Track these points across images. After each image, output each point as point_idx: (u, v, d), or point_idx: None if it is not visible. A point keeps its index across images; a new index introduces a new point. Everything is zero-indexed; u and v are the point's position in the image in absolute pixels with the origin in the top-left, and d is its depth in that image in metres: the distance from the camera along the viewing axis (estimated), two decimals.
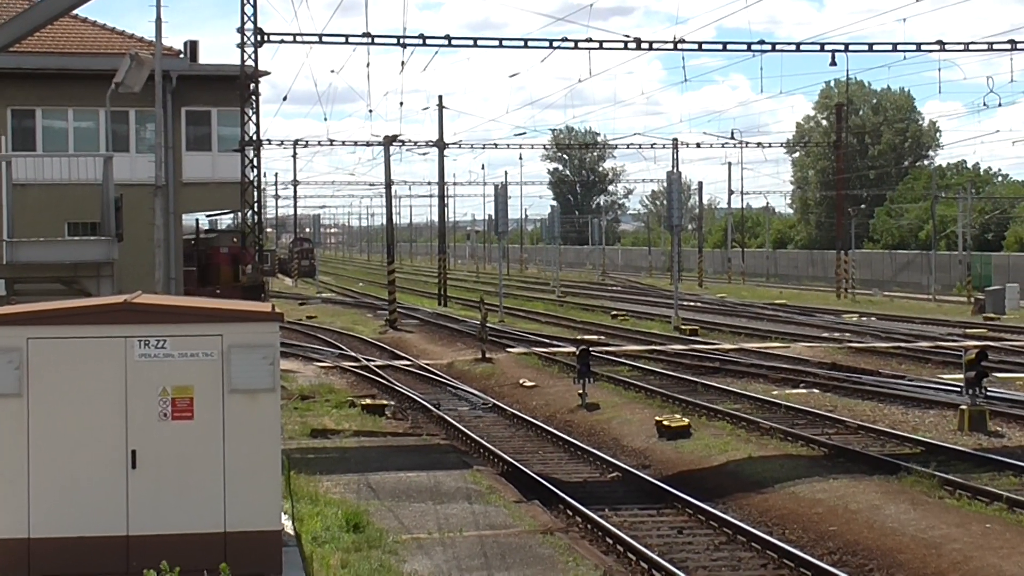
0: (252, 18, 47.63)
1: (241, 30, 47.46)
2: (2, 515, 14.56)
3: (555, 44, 48.35)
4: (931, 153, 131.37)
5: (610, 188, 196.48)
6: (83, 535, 14.55)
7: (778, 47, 49.95)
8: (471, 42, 49.53)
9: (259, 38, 47.53)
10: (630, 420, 31.84)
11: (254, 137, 47.03)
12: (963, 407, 29.16)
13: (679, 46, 48.81)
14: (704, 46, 50.06)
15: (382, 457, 26.64)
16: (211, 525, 14.70)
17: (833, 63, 49.93)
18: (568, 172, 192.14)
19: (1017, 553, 18.22)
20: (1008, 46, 49.43)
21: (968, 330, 53.37)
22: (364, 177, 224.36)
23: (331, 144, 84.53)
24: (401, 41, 47.99)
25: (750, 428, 29.61)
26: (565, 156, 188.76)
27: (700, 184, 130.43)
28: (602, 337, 51.60)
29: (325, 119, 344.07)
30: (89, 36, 45.09)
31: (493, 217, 78.66)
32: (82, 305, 15.99)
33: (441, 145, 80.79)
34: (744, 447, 27.30)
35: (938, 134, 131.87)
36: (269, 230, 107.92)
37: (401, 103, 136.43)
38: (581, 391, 34.69)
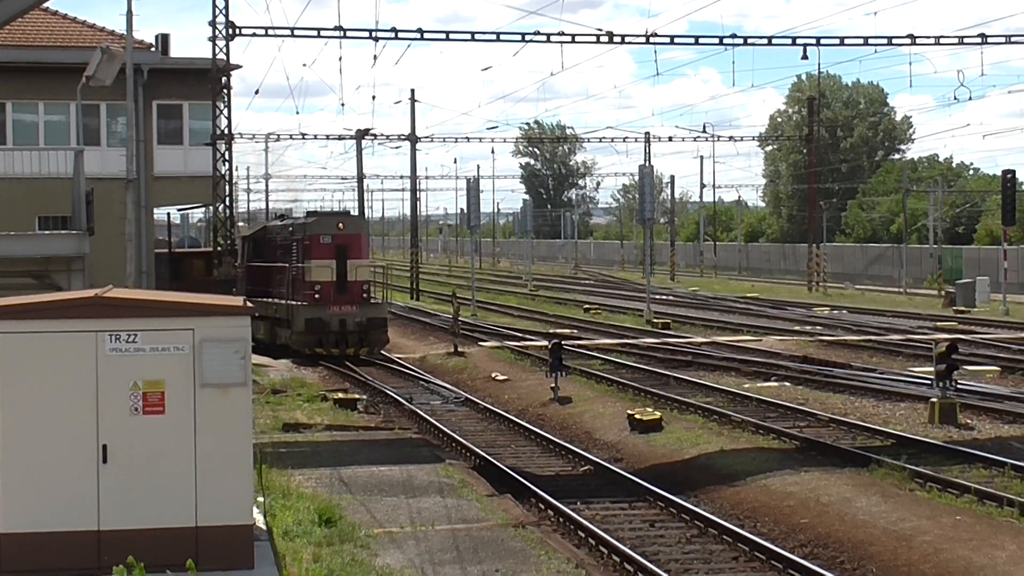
0: (224, 11, 47.50)
1: (213, 23, 47.32)
2: None
3: (527, 38, 48.32)
4: (903, 147, 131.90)
5: (580, 182, 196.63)
6: (54, 530, 14.51)
7: (750, 41, 50.05)
8: (443, 35, 49.50)
9: (231, 31, 47.39)
10: (602, 414, 31.87)
11: (226, 131, 46.89)
12: (934, 400, 29.27)
13: (651, 40, 48.86)
14: (676, 40, 50.03)
15: (354, 451, 26.60)
16: (183, 520, 14.68)
17: (805, 57, 50.01)
18: (540, 166, 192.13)
19: (987, 545, 18.32)
20: (978, 40, 49.59)
21: (939, 323, 53.58)
22: (336, 171, 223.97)
23: (303, 138, 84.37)
24: (373, 35, 47.94)
25: (722, 421, 29.67)
26: (536, 150, 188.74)
27: (672, 178, 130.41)
28: (574, 331, 51.63)
29: (297, 113, 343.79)
30: (59, 29, 44.97)
31: (465, 211, 78.65)
32: (53, 299, 15.94)
33: (413, 139, 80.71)
34: (716, 440, 27.36)
35: (910, 129, 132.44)
36: (241, 224, 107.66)
37: (373, 97, 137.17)
38: (553, 385, 34.71)
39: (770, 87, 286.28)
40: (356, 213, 58.02)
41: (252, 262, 51.59)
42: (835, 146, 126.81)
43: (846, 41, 50.43)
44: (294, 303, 45.38)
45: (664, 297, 74.86)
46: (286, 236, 47.89)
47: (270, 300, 47.53)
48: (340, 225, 46.05)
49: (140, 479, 14.66)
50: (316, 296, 44.75)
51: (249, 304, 15.51)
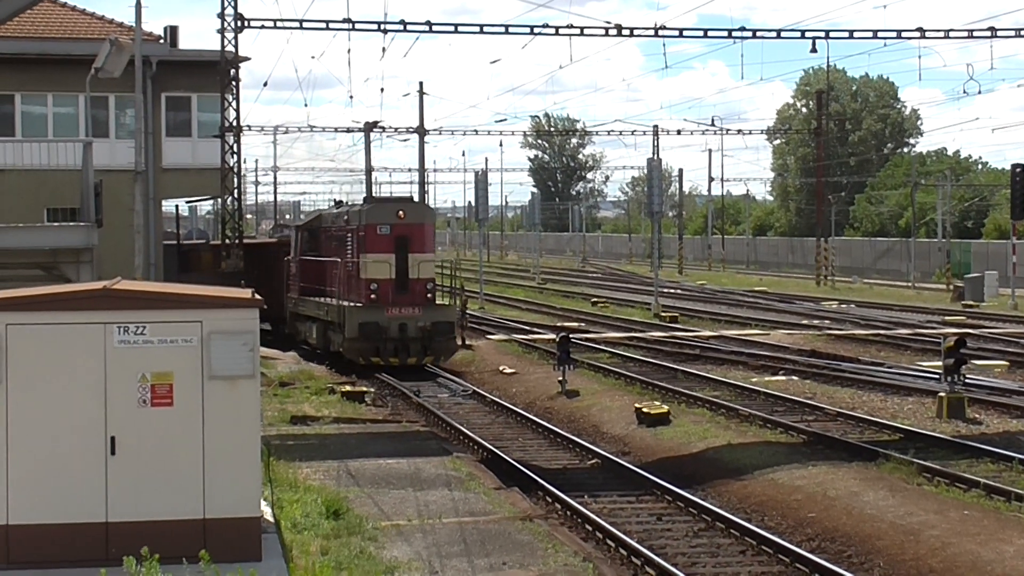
0: (232, 3, 47.52)
1: (222, 15, 47.33)
2: None
3: (536, 30, 48.34)
4: (912, 140, 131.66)
5: (589, 175, 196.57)
6: (62, 522, 14.55)
7: (759, 34, 49.99)
8: (452, 28, 49.47)
9: (240, 23, 47.40)
10: (610, 407, 31.87)
11: (234, 123, 46.90)
12: (942, 394, 29.25)
13: (660, 32, 48.82)
14: (685, 33, 50.08)
15: (362, 444, 26.62)
16: (191, 512, 14.71)
17: (814, 50, 49.96)
18: (548, 159, 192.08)
19: (994, 539, 18.31)
20: (988, 33, 49.49)
21: (947, 317, 53.51)
22: (344, 163, 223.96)
23: (311, 130, 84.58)
24: (382, 27, 47.89)
25: (729, 415, 29.66)
26: (545, 143, 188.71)
27: (680, 171, 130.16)
28: (582, 324, 51.62)
29: (305, 105, 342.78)
30: (68, 21, 45.00)
31: (473, 204, 78.66)
32: (61, 291, 15.96)
33: (421, 131, 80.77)
34: (723, 434, 27.35)
35: (919, 121, 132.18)
36: (249, 216, 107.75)
37: (382, 89, 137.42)
38: (561, 378, 34.69)
39: (778, 80, 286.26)
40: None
41: (305, 255, 46.02)
42: (843, 140, 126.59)
43: (855, 34, 50.38)
44: (347, 304, 39.66)
45: (672, 291, 74.85)
46: (340, 226, 42.52)
47: (323, 300, 42.51)
48: (400, 213, 39.84)
49: (148, 471, 14.69)
50: (372, 296, 39.25)
51: (258, 297, 15.52)
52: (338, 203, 50.82)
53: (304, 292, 45.06)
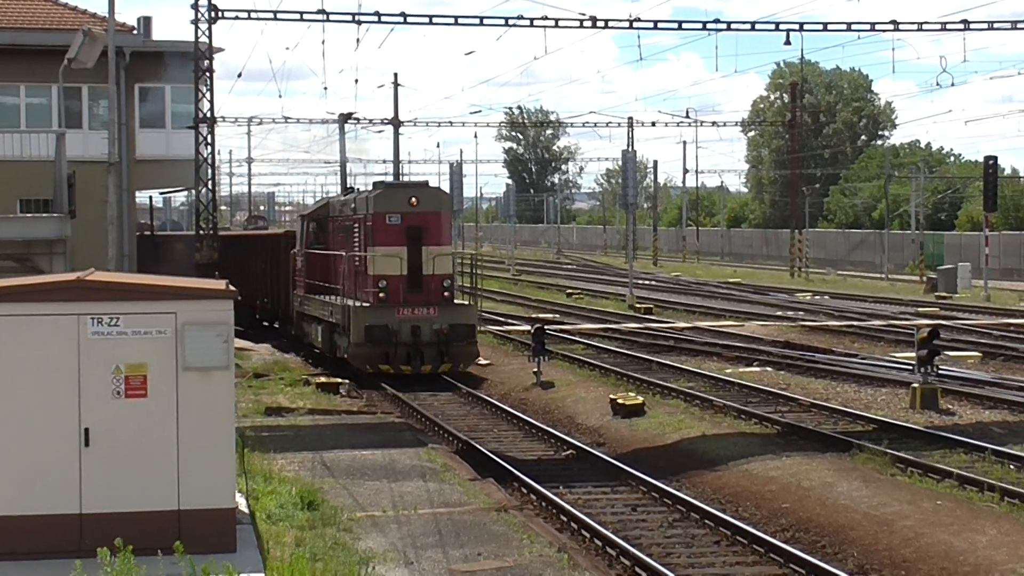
0: None
1: (195, 6, 47.14)
2: None
3: (510, 22, 48.33)
4: (885, 133, 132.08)
5: (563, 167, 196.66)
6: (36, 513, 14.51)
7: (733, 26, 50.05)
8: (426, 20, 49.44)
9: (213, 14, 47.23)
10: (585, 398, 31.90)
11: (208, 114, 46.75)
12: (915, 385, 29.35)
13: (634, 24, 48.84)
14: (659, 24, 50.09)
15: (336, 435, 26.61)
16: (165, 503, 14.69)
17: (788, 42, 50.01)
18: (523, 151, 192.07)
19: (967, 529, 18.39)
20: (961, 26, 49.62)
21: (920, 309, 53.70)
22: (319, 155, 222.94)
23: (285, 122, 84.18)
24: (356, 18, 47.82)
25: (704, 406, 29.72)
26: (519, 135, 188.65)
27: (655, 163, 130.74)
28: (557, 315, 51.65)
29: (280, 96, 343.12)
30: (41, 11, 44.77)
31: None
32: (34, 282, 15.92)
33: (396, 123, 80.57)
34: (698, 425, 27.41)
35: (893, 114, 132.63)
36: (223, 208, 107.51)
37: (356, 80, 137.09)
38: (536, 369, 34.70)
39: (753, 72, 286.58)
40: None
41: (312, 248, 41.33)
42: (817, 132, 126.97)
43: (829, 27, 50.46)
44: (352, 304, 35.61)
45: (646, 282, 74.93)
46: (347, 215, 38.39)
47: (328, 299, 38.28)
48: (412, 200, 35.46)
49: (122, 462, 14.66)
50: (381, 295, 35.23)
51: (231, 288, 15.48)
52: (348, 189, 46.75)
53: (310, 290, 40.80)
